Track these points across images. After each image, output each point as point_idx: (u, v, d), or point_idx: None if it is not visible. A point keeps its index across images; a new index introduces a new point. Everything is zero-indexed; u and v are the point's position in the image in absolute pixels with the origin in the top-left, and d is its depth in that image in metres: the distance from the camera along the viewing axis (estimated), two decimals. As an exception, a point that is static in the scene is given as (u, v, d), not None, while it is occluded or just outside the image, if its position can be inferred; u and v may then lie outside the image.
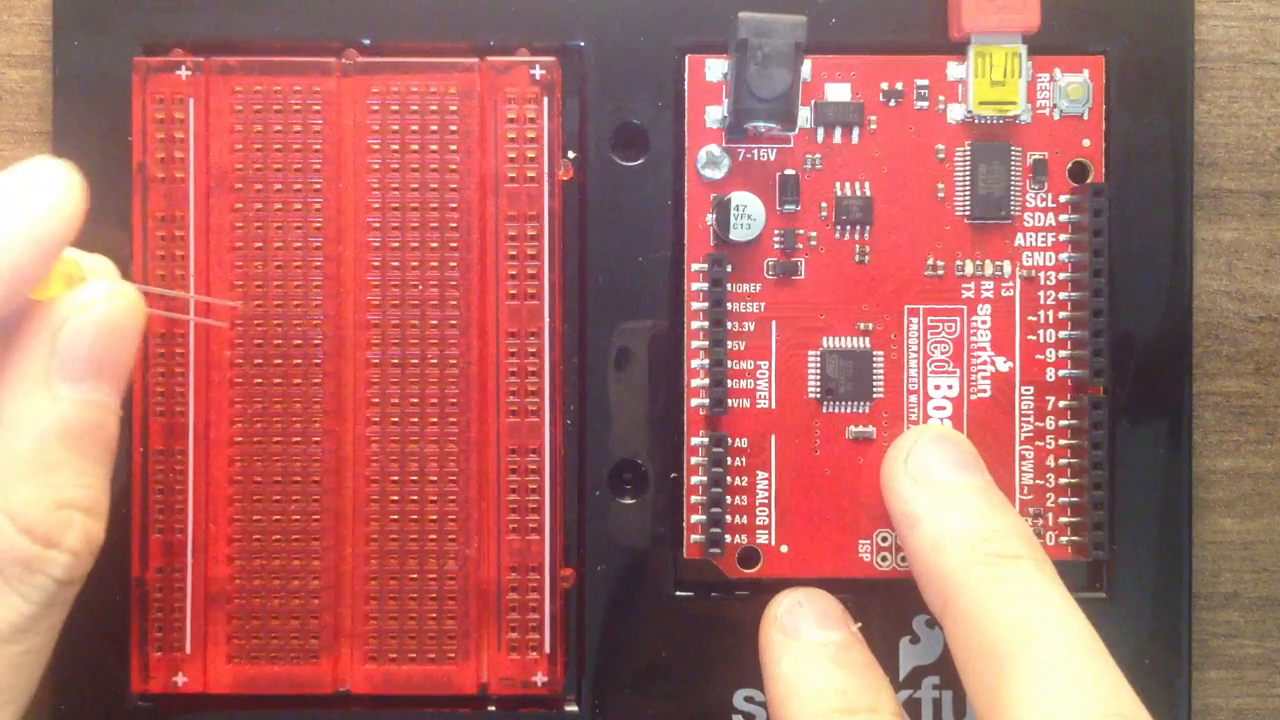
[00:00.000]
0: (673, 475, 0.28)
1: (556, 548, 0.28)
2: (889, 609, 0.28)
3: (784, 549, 0.28)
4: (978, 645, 0.23)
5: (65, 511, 0.23)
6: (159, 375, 0.28)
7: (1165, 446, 0.28)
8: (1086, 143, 0.28)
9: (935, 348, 0.28)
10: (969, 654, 0.24)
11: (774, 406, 0.28)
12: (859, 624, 0.27)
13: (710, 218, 0.28)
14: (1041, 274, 0.28)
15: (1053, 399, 0.28)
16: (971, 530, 0.25)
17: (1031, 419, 0.28)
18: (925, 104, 0.28)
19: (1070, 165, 0.28)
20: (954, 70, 0.28)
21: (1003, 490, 0.27)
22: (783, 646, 0.26)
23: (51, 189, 0.24)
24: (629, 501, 0.28)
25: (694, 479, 0.28)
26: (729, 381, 0.28)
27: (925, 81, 0.28)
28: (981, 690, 0.23)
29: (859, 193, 0.28)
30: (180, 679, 0.28)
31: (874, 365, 0.28)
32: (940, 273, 0.28)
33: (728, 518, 0.28)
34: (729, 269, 0.28)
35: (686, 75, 0.28)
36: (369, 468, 0.28)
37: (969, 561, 0.25)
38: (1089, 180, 0.28)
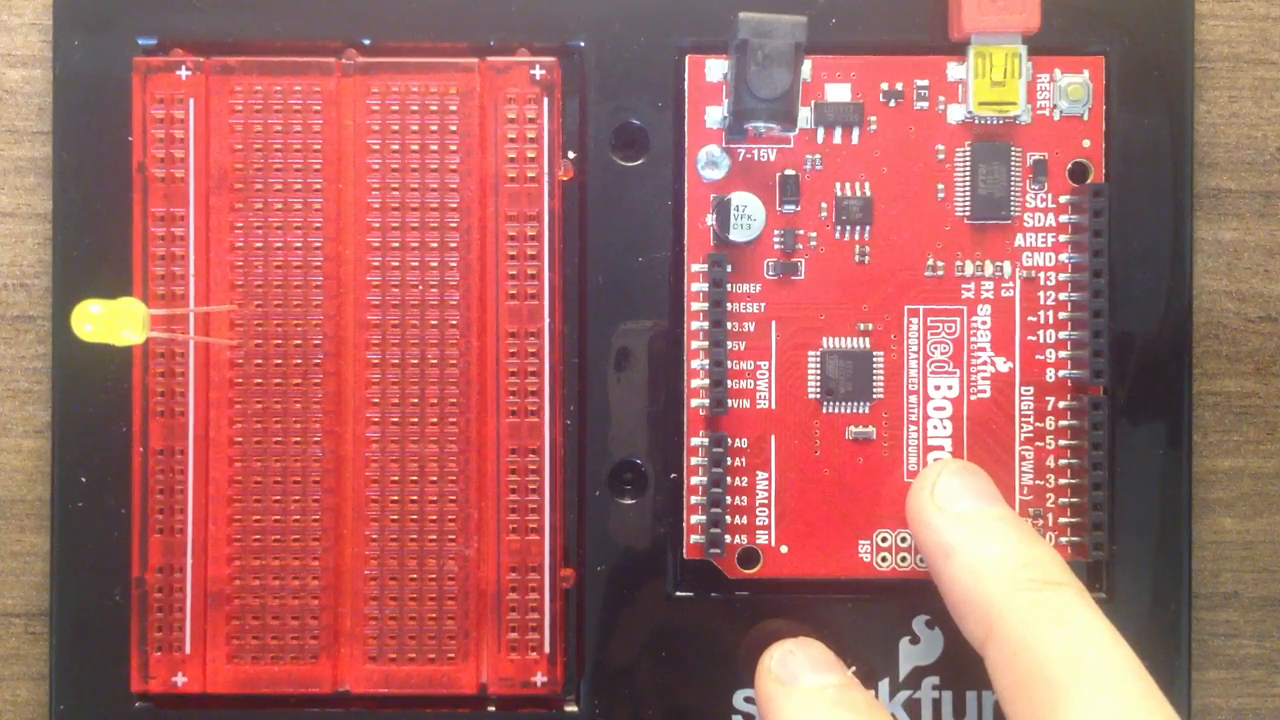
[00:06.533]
0: (673, 475, 0.28)
1: (556, 548, 0.28)
2: (889, 609, 0.28)
3: (784, 549, 0.28)
4: (1026, 672, 0.23)
5: None
6: (159, 376, 0.28)
7: (1165, 446, 0.28)
8: (1086, 143, 0.28)
9: (935, 348, 0.28)
10: (1016, 680, 0.24)
11: (774, 407, 0.28)
12: (852, 667, 0.27)
13: (710, 218, 0.28)
14: (1041, 274, 0.28)
15: (1053, 399, 0.28)
16: (1011, 556, 0.25)
17: (1031, 419, 0.28)
18: (925, 104, 0.28)
19: (1070, 165, 0.28)
20: (954, 70, 0.28)
21: (1002, 490, 0.27)
22: (783, 696, 0.26)
23: None
24: (629, 501, 0.28)
25: (694, 479, 0.28)
26: (729, 381, 0.28)
27: (925, 82, 0.28)
28: (1029, 716, 0.23)
29: (859, 193, 0.28)
30: (180, 679, 0.28)
31: (874, 365, 0.28)
32: (940, 273, 0.28)
33: (728, 518, 0.28)
34: (729, 269, 0.28)
35: (686, 75, 0.28)
36: (369, 468, 0.28)
37: (1012, 588, 0.24)
38: (1089, 180, 0.28)
